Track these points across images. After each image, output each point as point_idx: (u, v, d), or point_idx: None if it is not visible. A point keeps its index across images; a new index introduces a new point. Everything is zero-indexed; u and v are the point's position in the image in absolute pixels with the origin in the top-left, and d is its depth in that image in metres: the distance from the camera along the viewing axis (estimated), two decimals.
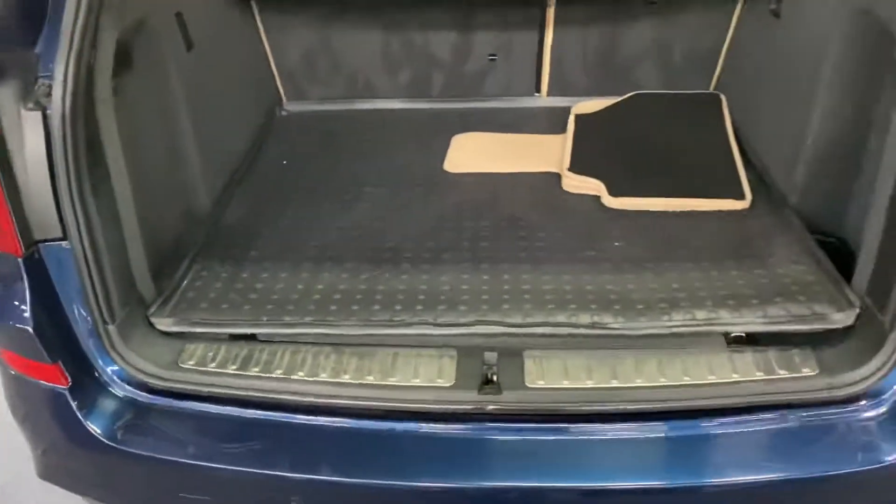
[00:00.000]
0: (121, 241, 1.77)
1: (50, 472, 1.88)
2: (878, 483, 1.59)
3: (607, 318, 1.81)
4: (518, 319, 1.83)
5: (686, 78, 2.92)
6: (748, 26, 2.72)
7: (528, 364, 1.72)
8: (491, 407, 1.65)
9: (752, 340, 1.79)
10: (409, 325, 1.83)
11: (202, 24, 2.37)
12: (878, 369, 1.60)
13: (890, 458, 1.56)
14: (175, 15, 2.24)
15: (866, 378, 1.61)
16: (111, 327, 1.71)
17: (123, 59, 1.85)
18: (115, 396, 1.74)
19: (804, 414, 1.63)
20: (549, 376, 1.68)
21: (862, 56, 1.88)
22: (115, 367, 1.73)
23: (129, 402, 1.74)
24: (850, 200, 1.97)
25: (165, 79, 2.15)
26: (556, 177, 2.49)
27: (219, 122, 2.48)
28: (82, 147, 1.61)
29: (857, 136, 1.91)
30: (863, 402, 1.63)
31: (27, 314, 1.65)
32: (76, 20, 1.55)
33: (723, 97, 2.80)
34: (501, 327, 1.81)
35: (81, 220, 1.62)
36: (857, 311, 1.73)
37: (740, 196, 2.26)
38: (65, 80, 1.55)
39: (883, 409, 1.62)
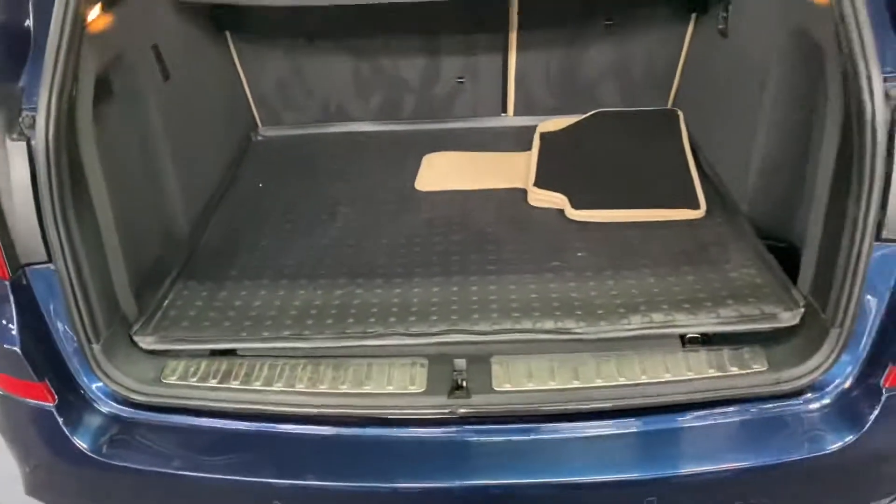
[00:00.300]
0: (104, 264, 1.85)
1: (38, 488, 1.94)
2: (823, 469, 1.71)
3: (570, 324, 1.91)
4: (486, 327, 1.92)
5: (645, 95, 3.05)
6: (700, 45, 2.87)
7: (496, 369, 1.81)
8: (461, 410, 1.73)
9: (706, 341, 1.89)
10: (382, 336, 1.92)
11: (178, 55, 2.47)
12: (821, 364, 1.71)
13: (832, 446, 1.68)
14: (152, 47, 2.33)
15: (811, 372, 1.71)
16: (96, 346, 1.78)
17: (103, 91, 1.95)
18: (100, 412, 1.82)
19: (755, 407, 1.74)
20: (515, 379, 1.78)
21: (800, 72, 2.01)
22: (100, 384, 1.80)
23: (114, 418, 1.81)
24: (797, 208, 2.09)
25: (144, 108, 2.24)
26: (523, 192, 2.60)
27: (196, 147, 2.57)
28: (65, 174, 1.69)
29: (801, 147, 2.03)
30: (808, 395, 1.75)
31: (15, 335, 1.73)
32: (58, 56, 1.64)
33: (680, 113, 2.94)
34: (470, 335, 1.91)
35: (66, 244, 1.70)
36: (803, 310, 1.84)
37: (695, 206, 2.39)
38: (48, 112, 1.64)
39: (826, 402, 1.74)
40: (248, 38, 3.00)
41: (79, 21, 1.68)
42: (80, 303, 1.74)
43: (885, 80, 1.57)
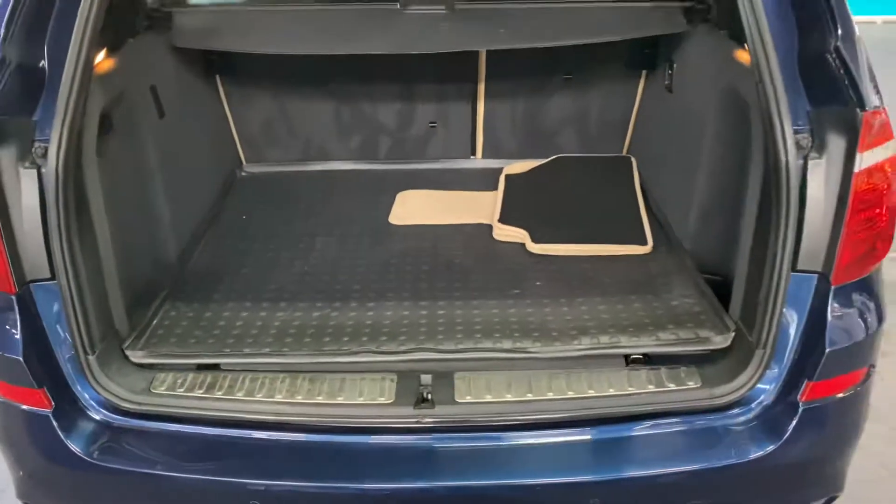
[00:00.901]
0: (101, 283, 2.02)
1: (31, 492, 2.06)
2: (748, 475, 1.90)
3: (527, 344, 2.11)
4: (450, 346, 2.12)
5: (602, 143, 3.33)
6: (650, 99, 3.15)
7: (458, 383, 2.00)
8: (426, 420, 1.91)
9: (648, 361, 2.10)
10: (355, 353, 2.10)
11: (173, 96, 2.68)
12: (748, 381, 1.92)
13: (755, 455, 1.88)
14: (150, 88, 2.54)
15: (738, 389, 1.92)
16: (91, 358, 1.93)
17: (106, 126, 2.14)
18: (93, 419, 1.96)
19: (689, 419, 1.94)
20: (475, 392, 1.97)
21: (731, 124, 2.27)
22: (93, 393, 1.95)
23: (106, 424, 1.95)
24: (731, 244, 2.32)
25: (141, 142, 2.44)
26: (488, 227, 2.83)
27: (186, 180, 2.76)
28: (71, 200, 1.86)
29: (734, 191, 2.26)
30: (736, 410, 1.95)
31: (18, 345, 1.88)
32: (70, 94, 1.83)
33: (633, 160, 3.21)
34: (435, 353, 2.10)
35: (68, 263, 1.86)
36: (733, 334, 2.06)
37: (643, 242, 2.63)
38: (59, 144, 1.81)
39: (751, 416, 1.94)
40: (236, 81, 3.23)
41: (89, 63, 1.88)
42: (79, 317, 1.90)
43: (795, 132, 1.82)
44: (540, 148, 3.31)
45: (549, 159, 3.25)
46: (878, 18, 10.60)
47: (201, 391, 1.99)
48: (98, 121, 2.05)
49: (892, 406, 3.28)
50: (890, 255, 4.41)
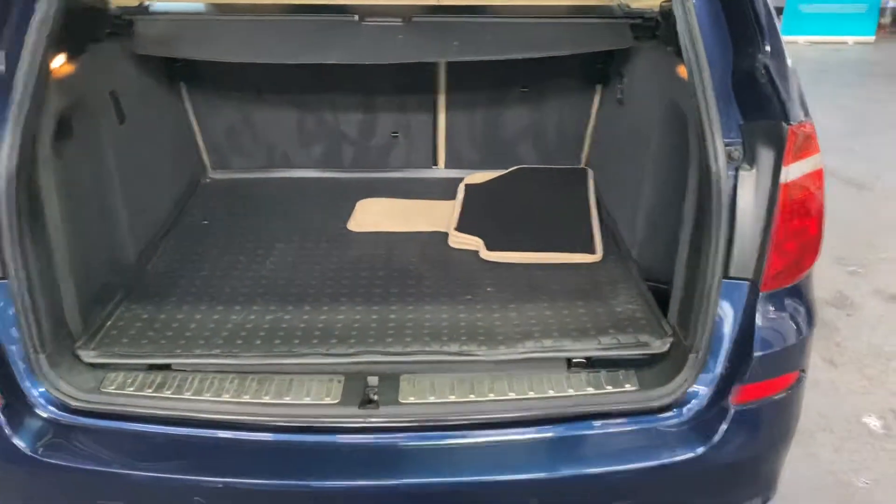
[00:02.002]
0: (53, 283, 2.05)
1: None
2: (678, 475, 1.96)
3: (472, 347, 2.16)
4: (398, 349, 2.17)
5: (560, 155, 3.41)
6: (604, 113, 3.24)
7: (403, 385, 2.05)
8: (370, 420, 1.96)
9: (591, 365, 2.16)
10: (305, 355, 2.15)
11: (134, 102, 2.72)
12: (682, 385, 1.98)
13: (685, 456, 1.94)
14: (110, 93, 2.58)
15: (672, 392, 1.99)
16: (41, 356, 1.96)
17: (64, 129, 2.18)
18: (41, 417, 1.98)
19: (625, 421, 2.00)
20: (419, 394, 2.02)
21: (674, 137, 2.34)
22: (43, 391, 1.97)
23: (54, 422, 1.97)
24: (675, 253, 2.40)
25: (100, 147, 2.48)
26: (444, 235, 2.89)
27: (147, 186, 2.80)
28: (24, 201, 1.89)
29: (677, 201, 2.33)
30: (670, 413, 2.00)
31: None
32: (24, 96, 1.87)
33: (589, 171, 3.29)
34: (383, 356, 2.15)
35: (20, 262, 1.89)
36: (671, 339, 2.13)
37: (592, 251, 2.70)
38: (12, 145, 1.85)
39: (684, 418, 1.99)
40: (200, 89, 3.27)
41: (44, 68, 1.92)
42: (30, 315, 1.93)
43: (727, 144, 1.89)
44: (501, 159, 3.38)
45: (509, 170, 3.32)
46: (850, 39, 10.86)
47: (150, 390, 2.03)
48: (55, 124, 2.09)
49: (843, 416, 3.37)
50: (848, 267, 4.53)
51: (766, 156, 1.89)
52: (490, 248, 2.73)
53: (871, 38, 11.00)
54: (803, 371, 2.07)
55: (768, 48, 1.94)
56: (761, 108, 1.92)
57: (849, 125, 6.87)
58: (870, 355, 3.80)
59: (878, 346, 3.86)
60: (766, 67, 1.93)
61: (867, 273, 4.54)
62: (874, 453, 3.18)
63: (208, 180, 3.41)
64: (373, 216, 3.06)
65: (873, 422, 3.36)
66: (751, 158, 1.90)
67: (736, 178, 1.90)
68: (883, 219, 5.24)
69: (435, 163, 3.45)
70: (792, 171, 1.89)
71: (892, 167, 6.07)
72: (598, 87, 3.26)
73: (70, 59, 2.29)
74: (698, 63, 1.90)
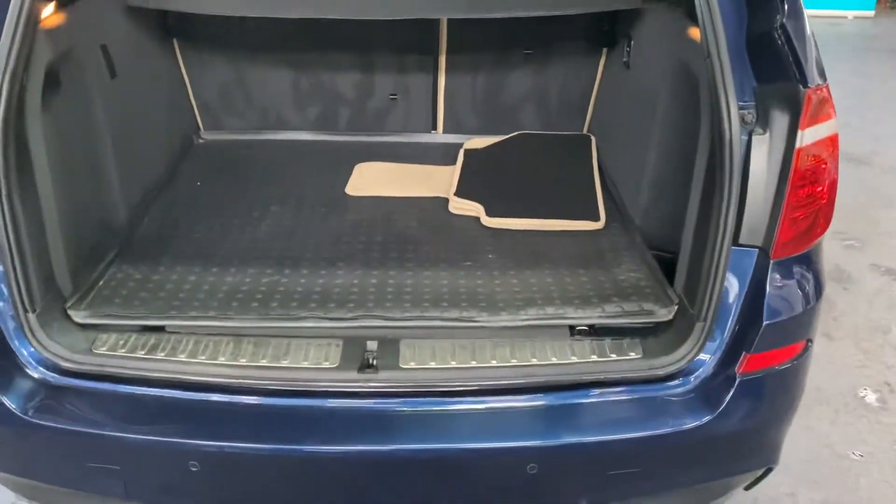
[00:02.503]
0: (42, 240, 1.99)
1: None
2: (682, 443, 1.93)
3: (473, 313, 2.12)
4: (398, 314, 2.12)
5: (563, 121, 3.34)
6: (609, 77, 3.17)
7: (403, 350, 2.01)
8: (369, 384, 1.92)
9: (593, 333, 2.12)
10: (302, 318, 2.09)
11: (126, 57, 2.63)
12: (688, 353, 1.95)
13: (690, 425, 1.91)
14: (100, 46, 2.49)
15: (678, 360, 1.96)
16: (31, 315, 1.91)
17: (52, 82, 2.10)
18: (31, 377, 1.93)
19: (629, 389, 1.97)
20: (420, 359, 1.98)
21: (683, 100, 2.28)
22: (32, 351, 1.92)
23: (44, 383, 1.93)
24: (680, 222, 2.35)
25: (89, 102, 2.40)
26: (444, 201, 2.83)
27: (138, 144, 2.72)
28: (12, 154, 1.83)
29: (684, 168, 2.29)
30: (675, 381, 1.98)
31: None
32: (11, 47, 1.80)
33: (592, 138, 3.23)
34: (382, 321, 2.10)
35: (8, 218, 1.83)
36: (676, 307, 2.09)
37: (596, 218, 2.65)
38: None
39: (690, 387, 1.97)
40: (194, 45, 3.18)
41: (32, 18, 1.85)
42: (19, 273, 1.87)
43: (741, 107, 1.84)
44: (502, 124, 3.31)
45: (510, 135, 3.26)
46: (850, 13, 10.76)
47: (143, 352, 1.98)
48: (43, 76, 2.01)
49: (839, 390, 3.37)
50: (846, 242, 4.51)
51: (780, 120, 1.84)
52: (490, 214, 2.67)
53: (871, 13, 10.89)
54: (810, 340, 2.04)
55: (786, 6, 1.88)
56: (777, 71, 1.87)
57: (848, 100, 6.81)
58: (866, 329, 3.79)
59: (874, 321, 3.86)
60: (783, 28, 1.87)
61: (865, 247, 4.53)
62: (869, 426, 3.18)
63: (201, 141, 3.32)
64: (371, 181, 3.00)
65: (869, 395, 3.36)
66: (764, 122, 1.86)
67: (749, 142, 1.85)
68: (882, 194, 5.22)
69: (434, 127, 3.37)
70: (807, 136, 1.84)
71: (892, 142, 6.03)
72: (604, 51, 3.18)
73: (59, 9, 2.20)
74: (713, 23, 1.84)
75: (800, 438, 3.03)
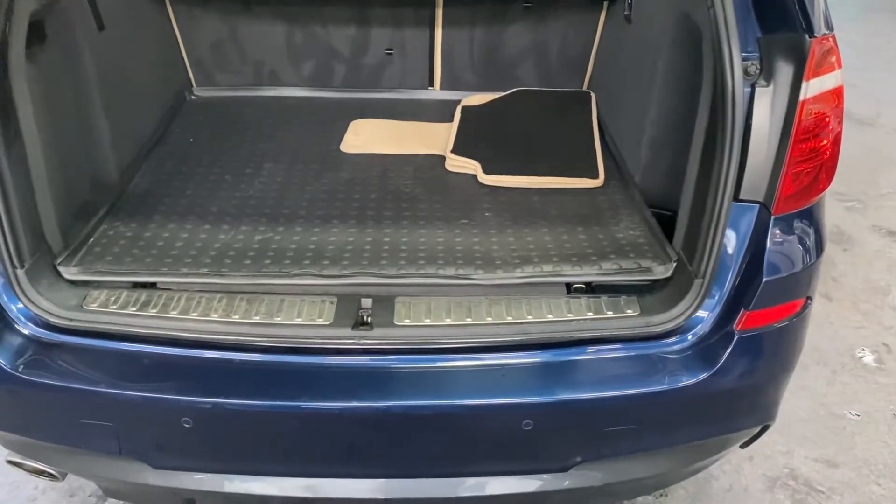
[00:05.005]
0: (31, 195, 1.95)
1: None
2: (679, 400, 1.92)
3: (469, 271, 2.09)
4: (392, 272, 2.09)
5: (562, 77, 3.27)
6: (610, 32, 3.09)
7: (398, 307, 1.98)
8: (363, 341, 1.90)
9: (590, 291, 2.10)
10: (296, 275, 2.07)
11: (114, 8, 2.56)
12: (686, 310, 1.93)
13: (687, 382, 1.89)
14: None
15: (676, 318, 1.93)
16: (20, 271, 1.88)
17: (37, 34, 2.04)
18: (21, 333, 1.91)
19: (626, 347, 1.95)
20: (415, 316, 1.95)
21: (685, 54, 2.23)
22: (21, 307, 1.90)
23: (34, 339, 1.91)
24: (681, 179, 2.31)
25: (77, 54, 2.33)
26: (441, 158, 2.78)
27: (129, 99, 2.66)
28: None
29: (685, 124, 2.24)
30: (673, 338, 1.95)
31: None
32: None
33: (592, 94, 3.16)
34: (377, 278, 2.07)
35: None
36: (674, 264, 2.06)
37: (594, 176, 2.60)
38: None
39: (686, 345, 1.95)
40: None
41: None
42: (6, 229, 1.84)
43: (744, 58, 1.79)
44: (500, 81, 3.24)
45: (508, 92, 3.19)
46: None
47: (134, 308, 1.95)
48: (27, 27, 1.95)
49: (837, 350, 3.37)
50: (847, 203, 4.46)
51: (784, 71, 1.80)
52: (487, 171, 2.63)
53: None
54: (809, 298, 2.02)
55: None
56: (782, 21, 1.82)
57: (851, 60, 6.66)
58: (865, 290, 3.78)
59: (873, 282, 3.84)
60: None
61: (866, 209, 4.49)
62: (866, 386, 3.19)
63: (194, 97, 3.26)
64: (366, 137, 2.94)
65: (867, 356, 3.36)
66: (768, 74, 1.81)
67: (752, 94, 1.81)
68: (884, 155, 5.16)
69: (431, 83, 3.30)
70: (811, 88, 1.80)
71: (895, 104, 5.96)
72: (605, 5, 3.10)
73: None
74: None
75: (797, 398, 3.03)
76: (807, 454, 2.85)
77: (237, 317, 1.94)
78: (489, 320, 1.94)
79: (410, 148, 2.86)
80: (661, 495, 2.66)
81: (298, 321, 1.93)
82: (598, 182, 2.59)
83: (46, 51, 2.11)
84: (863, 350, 3.39)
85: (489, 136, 2.86)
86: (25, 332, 1.91)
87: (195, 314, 1.94)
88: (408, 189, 2.58)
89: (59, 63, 2.22)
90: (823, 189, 1.94)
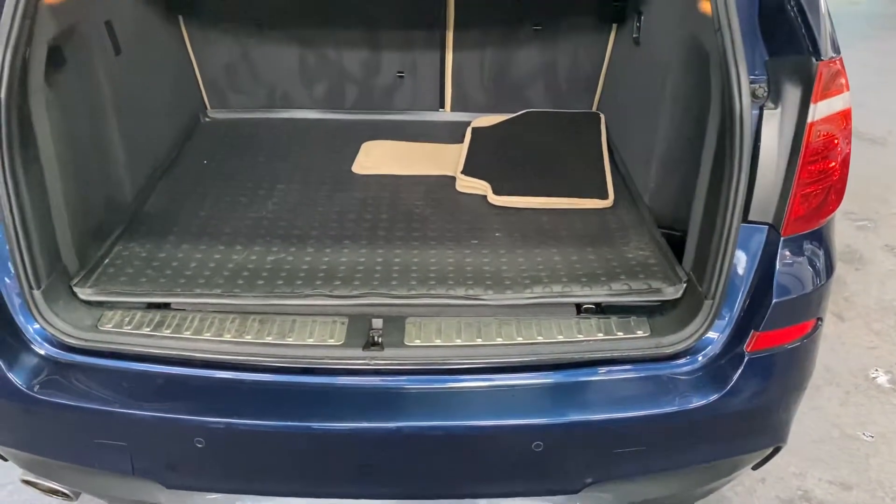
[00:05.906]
0: (47, 217, 1.98)
1: None
2: (690, 422, 1.92)
3: (479, 291, 2.10)
4: (403, 292, 2.11)
5: (572, 98, 3.30)
6: (619, 53, 3.12)
7: (409, 327, 1.99)
8: (374, 362, 1.91)
9: (600, 311, 2.10)
10: (308, 296, 2.09)
11: (131, 33, 2.61)
12: (696, 331, 1.93)
13: (698, 404, 1.89)
14: (105, 23, 2.47)
15: (686, 339, 1.93)
16: (36, 292, 1.90)
17: (56, 58, 2.08)
18: (37, 354, 1.93)
19: (636, 368, 1.95)
20: (425, 337, 1.96)
21: (693, 76, 2.24)
22: (38, 328, 1.92)
23: (50, 359, 1.93)
24: (690, 200, 2.32)
25: (94, 78, 2.38)
26: (451, 179, 2.80)
27: (144, 122, 2.71)
28: (16, 130, 1.82)
29: (694, 144, 2.26)
30: (683, 360, 1.96)
31: None
32: (13, 21, 1.78)
33: (602, 115, 3.18)
34: (388, 298, 2.09)
35: (12, 195, 1.82)
36: (684, 285, 2.06)
37: (604, 196, 2.62)
38: (2, 72, 1.77)
39: (697, 366, 1.95)
40: (199, 22, 3.15)
41: None
42: (24, 250, 1.86)
43: (752, 81, 1.80)
44: (510, 102, 3.27)
45: (518, 113, 3.22)
46: None
47: (149, 329, 1.98)
48: (47, 52, 1.99)
49: (850, 370, 3.34)
50: (858, 222, 4.46)
51: (792, 93, 1.81)
52: (498, 192, 2.65)
53: None
54: (820, 319, 2.02)
55: None
56: (789, 44, 1.83)
57: (862, 79, 6.68)
58: (878, 310, 3.76)
59: (886, 301, 3.82)
60: (796, 0, 1.83)
61: (878, 228, 4.48)
62: (880, 407, 3.16)
63: (208, 119, 3.31)
64: (378, 159, 2.97)
65: (880, 376, 3.33)
66: (776, 96, 1.83)
67: (760, 116, 1.82)
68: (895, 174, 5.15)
69: (441, 105, 3.34)
70: (819, 110, 1.81)
71: None
72: (614, 27, 3.13)
73: None
74: None
75: (809, 419, 3.01)
76: (820, 476, 2.82)
77: (250, 337, 1.96)
78: (499, 341, 1.95)
79: (421, 169, 2.89)
80: None
81: (310, 342, 1.95)
82: (608, 203, 2.60)
83: (64, 75, 2.15)
84: (876, 370, 3.37)
85: (499, 157, 2.89)
86: (41, 352, 1.94)
87: (208, 334, 1.96)
88: (418, 210, 2.60)
89: (77, 87, 2.26)
90: (833, 210, 1.94)
